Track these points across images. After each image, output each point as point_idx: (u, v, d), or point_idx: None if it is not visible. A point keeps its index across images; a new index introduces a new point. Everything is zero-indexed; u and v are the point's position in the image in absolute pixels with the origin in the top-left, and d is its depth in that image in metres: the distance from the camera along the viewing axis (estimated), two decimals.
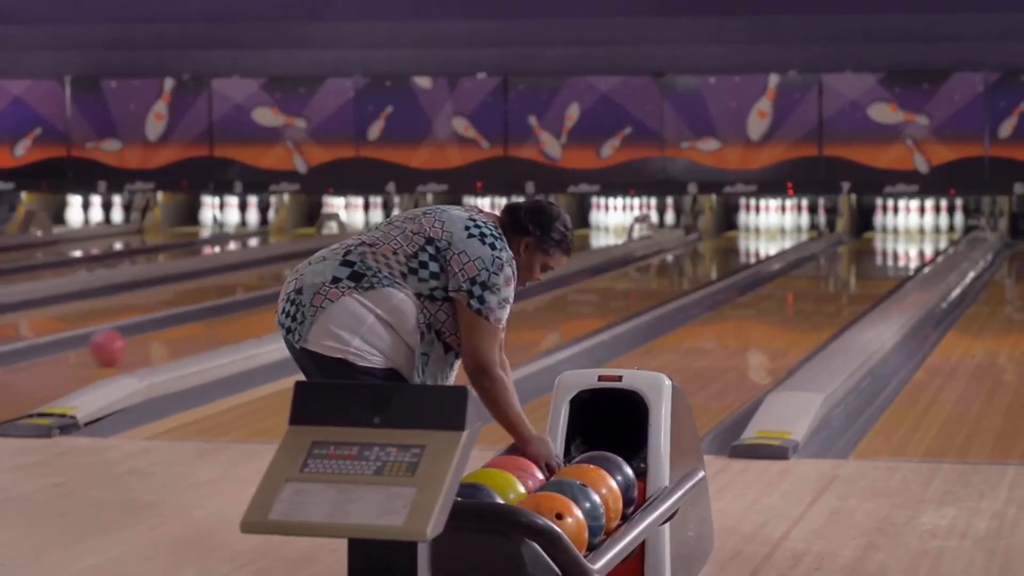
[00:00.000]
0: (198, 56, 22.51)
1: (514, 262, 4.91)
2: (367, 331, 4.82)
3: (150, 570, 5.86)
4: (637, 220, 21.40)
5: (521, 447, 4.98)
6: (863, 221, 21.55)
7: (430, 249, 4.85)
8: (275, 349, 10.75)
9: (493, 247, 4.85)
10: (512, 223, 4.98)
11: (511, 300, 4.90)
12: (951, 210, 21.35)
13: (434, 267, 4.85)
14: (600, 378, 5.42)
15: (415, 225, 4.89)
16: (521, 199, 21.82)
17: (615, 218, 22.04)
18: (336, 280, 4.84)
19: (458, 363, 4.99)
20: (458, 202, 22.14)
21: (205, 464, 7.61)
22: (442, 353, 4.93)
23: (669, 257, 19.44)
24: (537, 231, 4.98)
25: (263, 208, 23.03)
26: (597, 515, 4.63)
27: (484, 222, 4.92)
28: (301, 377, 5.03)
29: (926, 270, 16.64)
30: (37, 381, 10.40)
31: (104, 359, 10.49)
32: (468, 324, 4.82)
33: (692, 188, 21.18)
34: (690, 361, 10.95)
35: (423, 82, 21.25)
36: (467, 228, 4.86)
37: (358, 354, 4.82)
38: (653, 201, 22.00)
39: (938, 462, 7.62)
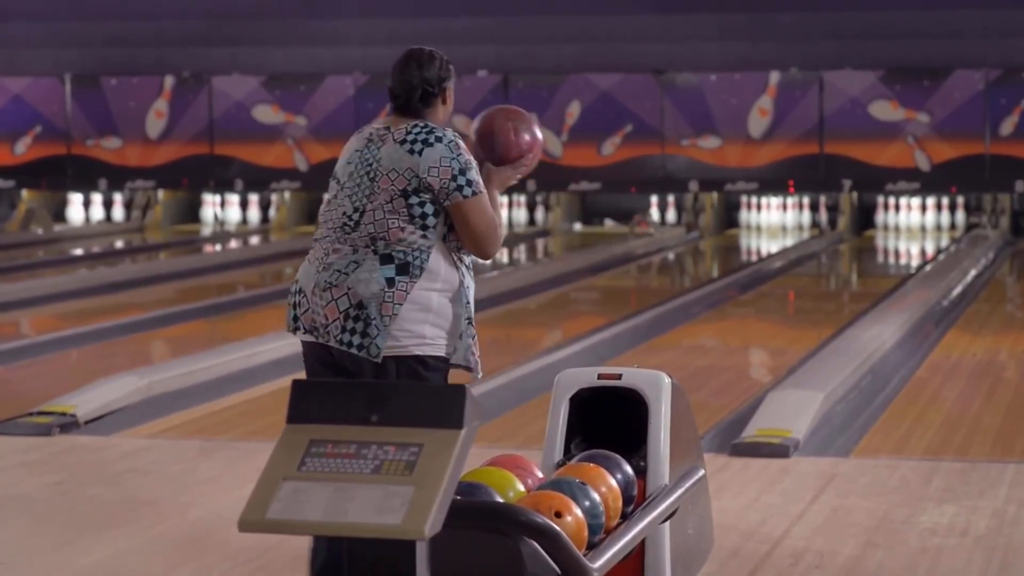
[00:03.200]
0: (198, 54, 22.50)
1: (454, 133, 4.90)
2: (433, 316, 4.83)
3: (149, 568, 5.85)
4: (638, 216, 21.38)
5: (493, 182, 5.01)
6: (864, 219, 21.53)
7: (413, 199, 4.82)
8: (275, 347, 10.76)
9: (439, 139, 4.84)
10: (424, 96, 4.92)
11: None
12: (952, 208, 21.33)
13: (428, 207, 4.83)
14: (600, 376, 5.41)
15: (384, 196, 4.82)
16: (522, 198, 21.98)
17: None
18: (391, 281, 4.80)
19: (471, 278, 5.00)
20: None
21: (204, 462, 7.61)
22: (468, 275, 4.94)
23: (670, 255, 19.43)
24: (448, 76, 4.96)
25: (264, 206, 23.02)
26: (596, 513, 4.62)
27: (408, 130, 4.87)
28: (301, 375, 5.01)
29: (927, 268, 16.64)
30: (37, 379, 10.40)
31: None
32: (466, 212, 4.83)
33: (693, 186, 21.17)
34: (690, 359, 10.94)
35: None
36: (408, 148, 4.83)
37: (432, 343, 4.82)
38: (654, 199, 22.00)
39: (938, 460, 7.62)
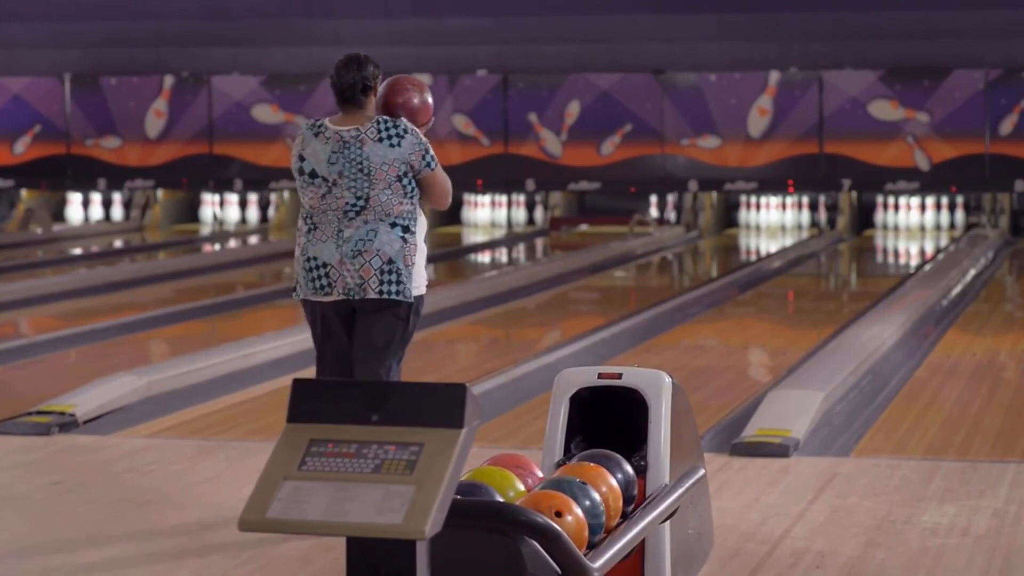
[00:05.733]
0: (198, 53, 22.49)
1: (407, 121, 6.20)
2: (423, 258, 6.31)
3: (148, 568, 5.84)
4: (637, 215, 21.38)
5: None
6: (864, 218, 21.53)
7: (404, 180, 6.14)
8: (274, 347, 10.74)
9: (403, 129, 6.16)
10: (363, 90, 6.20)
11: None
12: (952, 207, 21.33)
13: (412, 182, 6.20)
14: (600, 376, 5.40)
15: (383, 185, 6.12)
16: (521, 197, 21.99)
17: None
18: (404, 240, 6.15)
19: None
20: (460, 202, 22.16)
21: (204, 462, 7.60)
22: (423, 220, 6.34)
23: (669, 255, 19.42)
24: (378, 72, 6.28)
25: (263, 206, 23.02)
26: (597, 513, 4.62)
27: (376, 127, 6.14)
28: (300, 375, 5.03)
29: (927, 267, 16.63)
30: (36, 379, 10.39)
31: None
32: (431, 181, 6.22)
33: (692, 185, 21.16)
34: (690, 359, 10.93)
35: (423, 79, 21.23)
36: (386, 143, 6.13)
37: (425, 280, 6.33)
38: (654, 198, 22.00)
39: (939, 460, 7.61)
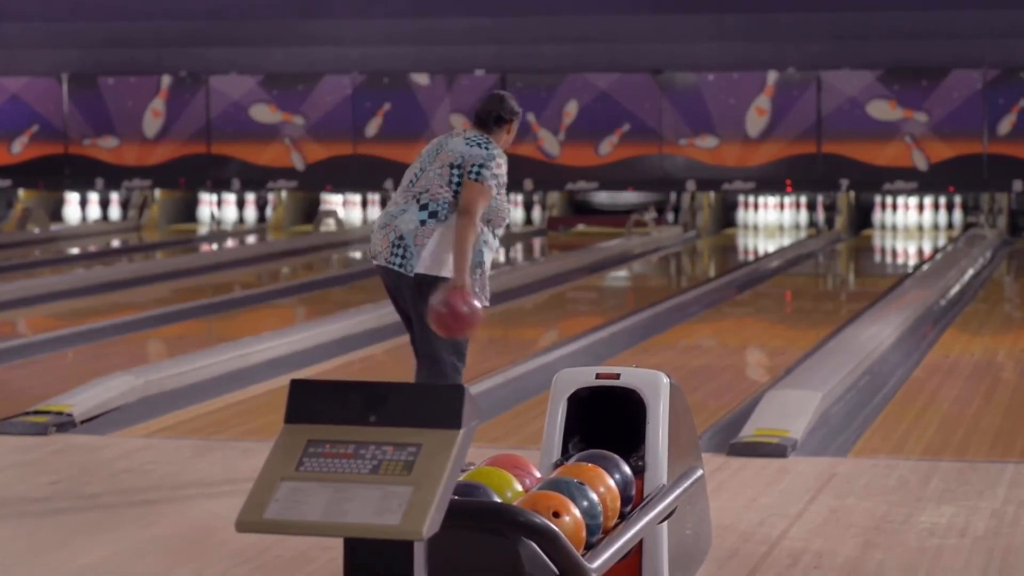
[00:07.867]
0: (196, 53, 22.48)
1: (503, 154, 7.00)
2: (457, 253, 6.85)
3: (146, 568, 5.84)
4: (635, 216, 21.36)
5: (455, 280, 6.83)
6: (862, 218, 21.53)
7: (455, 171, 6.93)
8: (271, 347, 10.73)
9: (487, 148, 6.98)
10: (496, 120, 7.07)
11: (501, 178, 6.98)
12: (950, 207, 21.34)
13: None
14: (598, 376, 5.39)
15: (439, 164, 6.96)
16: (519, 197, 21.97)
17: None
18: (423, 223, 6.91)
19: (496, 240, 7.04)
20: None
21: (201, 462, 7.59)
22: (490, 236, 6.96)
23: (667, 254, 19.42)
24: (516, 115, 7.12)
25: (261, 205, 23.01)
26: (595, 514, 4.61)
27: (474, 135, 7.03)
28: (298, 375, 5.02)
29: (925, 267, 16.63)
30: (34, 379, 10.38)
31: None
32: (468, 186, 6.90)
33: (690, 185, 21.16)
34: (688, 359, 10.93)
35: (421, 79, 21.24)
36: (467, 143, 6.98)
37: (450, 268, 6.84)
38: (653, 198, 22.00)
39: (937, 460, 7.60)
